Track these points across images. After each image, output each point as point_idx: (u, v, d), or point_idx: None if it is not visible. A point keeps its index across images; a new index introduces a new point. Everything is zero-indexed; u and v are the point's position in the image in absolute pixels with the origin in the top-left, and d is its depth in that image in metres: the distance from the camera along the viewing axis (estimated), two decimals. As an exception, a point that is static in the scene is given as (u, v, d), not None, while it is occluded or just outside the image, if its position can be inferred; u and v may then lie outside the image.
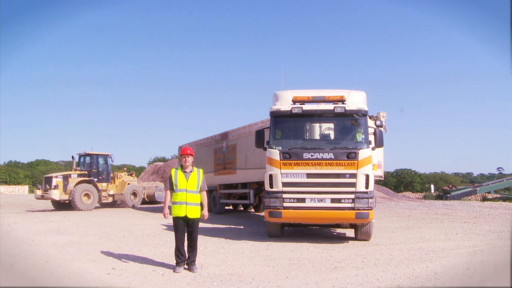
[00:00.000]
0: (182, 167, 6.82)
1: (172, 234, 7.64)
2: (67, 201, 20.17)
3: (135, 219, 15.42)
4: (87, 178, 20.68)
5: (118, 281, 6.02)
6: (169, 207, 6.87)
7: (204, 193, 6.85)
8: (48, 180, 20.44)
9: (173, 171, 6.81)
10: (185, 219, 6.65)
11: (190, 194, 6.66)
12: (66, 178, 20.44)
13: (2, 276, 5.47)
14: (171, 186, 6.77)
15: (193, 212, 6.67)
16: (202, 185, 6.84)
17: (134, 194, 22.57)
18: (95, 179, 20.97)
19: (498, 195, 31.54)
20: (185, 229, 6.74)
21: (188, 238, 6.75)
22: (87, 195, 20.14)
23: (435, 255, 7.92)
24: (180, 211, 6.61)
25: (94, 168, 21.30)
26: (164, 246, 9.03)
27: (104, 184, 21.52)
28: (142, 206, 22.87)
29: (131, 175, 24.21)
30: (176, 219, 6.68)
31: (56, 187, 19.86)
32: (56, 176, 20.41)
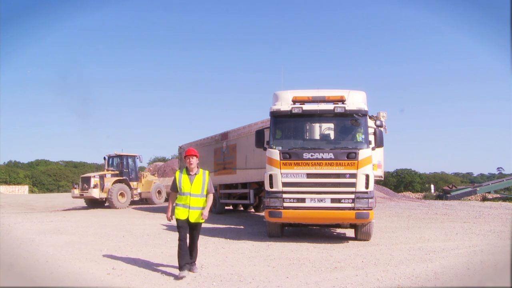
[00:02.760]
0: (187, 170, 6.58)
1: (172, 234, 7.67)
2: (104, 200, 21.52)
3: (135, 219, 15.42)
4: (121, 178, 22.07)
5: (118, 281, 6.02)
6: (174, 208, 6.70)
7: (211, 195, 6.63)
8: (86, 180, 21.67)
9: (177, 174, 6.61)
10: (187, 222, 6.49)
11: (194, 198, 6.45)
12: (102, 177, 21.72)
13: (2, 276, 5.47)
14: (175, 188, 6.59)
15: (196, 216, 6.49)
16: (208, 187, 6.61)
17: (159, 192, 24.33)
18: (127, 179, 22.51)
19: (498, 195, 31.52)
20: (187, 231, 6.57)
21: (189, 240, 6.65)
22: (122, 194, 21.57)
23: (435, 255, 7.92)
24: (182, 214, 6.45)
25: (125, 168, 22.70)
26: (164, 246, 9.03)
27: (135, 183, 22.93)
28: (142, 206, 22.95)
29: (153, 175, 26.81)
30: (179, 220, 6.55)
31: (96, 186, 21.15)
32: (94, 176, 21.71)
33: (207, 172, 6.70)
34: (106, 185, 21.43)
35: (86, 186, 21.48)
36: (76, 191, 21.91)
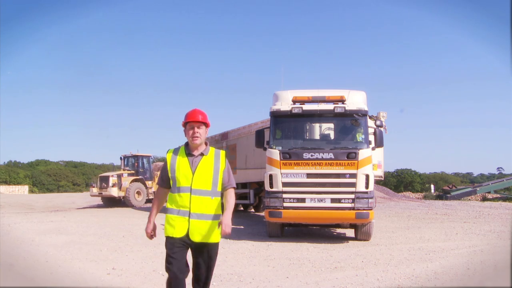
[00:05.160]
0: (187, 148, 3.78)
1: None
2: (122, 198, 22.26)
3: (135, 219, 15.41)
4: (138, 177, 22.86)
5: (118, 281, 6.02)
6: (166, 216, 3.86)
7: (231, 192, 3.82)
8: (105, 179, 22.58)
9: (169, 154, 3.78)
10: (188, 242, 3.64)
11: (198, 198, 3.63)
12: (119, 177, 22.54)
13: (2, 276, 5.47)
14: (165, 181, 3.79)
15: (203, 233, 3.60)
16: (226, 178, 3.78)
17: None
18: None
19: (498, 195, 31.51)
20: (186, 257, 3.71)
21: (194, 277, 3.83)
22: (138, 192, 22.47)
23: (435, 255, 7.92)
24: (177, 228, 3.60)
25: (140, 168, 23.50)
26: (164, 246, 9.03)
27: (149, 182, 23.53)
28: (142, 206, 23.02)
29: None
30: (170, 242, 3.64)
31: (114, 185, 22.01)
32: (112, 175, 22.53)
33: (222, 152, 3.85)
34: (123, 184, 22.25)
35: (105, 185, 22.34)
36: (95, 190, 22.81)
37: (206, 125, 3.77)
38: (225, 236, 3.62)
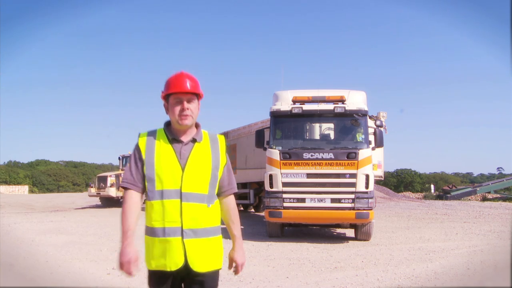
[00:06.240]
0: (169, 130, 2.47)
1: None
2: (120, 198, 22.23)
3: (135, 219, 15.41)
4: None
5: (118, 281, 6.01)
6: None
7: (233, 200, 2.60)
8: (103, 179, 22.57)
9: (142, 139, 2.45)
10: (183, 274, 2.41)
11: (192, 206, 2.35)
12: (117, 177, 22.39)
13: (2, 276, 5.47)
14: (135, 181, 2.44)
15: (204, 256, 2.38)
16: (225, 179, 2.54)
17: None
18: None
19: (498, 195, 31.49)
20: None
21: None
22: None
23: (435, 255, 7.92)
24: (169, 256, 2.39)
25: None
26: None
27: None
28: (143, 205, 23.21)
29: None
30: (161, 278, 2.50)
31: (112, 185, 21.97)
32: (110, 176, 22.51)
33: (221, 138, 2.60)
34: None
35: (103, 185, 22.30)
36: (93, 190, 22.77)
37: (199, 96, 2.44)
38: (239, 273, 2.55)
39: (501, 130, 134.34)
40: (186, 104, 2.39)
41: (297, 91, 10.15)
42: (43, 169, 75.01)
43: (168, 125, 2.49)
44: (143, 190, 2.47)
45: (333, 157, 9.28)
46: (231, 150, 16.67)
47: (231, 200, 2.57)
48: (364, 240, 9.79)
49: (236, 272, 2.54)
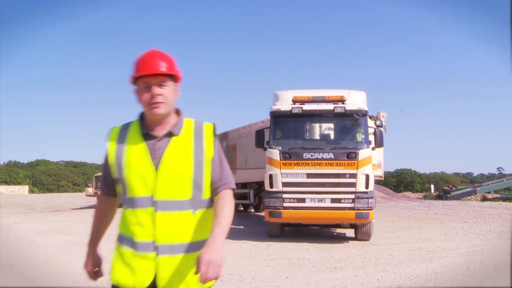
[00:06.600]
0: (143, 123, 2.00)
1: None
2: None
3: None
4: None
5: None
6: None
7: (228, 196, 1.98)
8: (100, 179, 22.31)
9: (112, 136, 2.02)
10: None
11: (169, 215, 1.90)
12: None
13: (2, 276, 5.47)
14: (106, 185, 2.14)
15: (180, 277, 1.90)
16: (216, 173, 1.99)
17: None
18: None
19: (498, 195, 31.49)
20: None
21: None
22: None
23: (435, 255, 7.92)
24: (137, 273, 1.92)
25: None
26: None
27: None
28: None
29: None
30: None
31: None
32: None
33: (208, 126, 2.11)
34: None
35: (100, 185, 22.20)
36: (90, 190, 22.98)
37: (175, 79, 1.97)
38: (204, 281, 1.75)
39: (501, 130, 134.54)
40: (156, 90, 1.90)
41: (297, 91, 10.16)
42: (43, 169, 75.05)
43: (142, 117, 2.03)
44: (115, 194, 2.14)
45: (333, 157, 9.28)
46: (231, 150, 16.68)
47: (224, 196, 1.96)
48: (364, 240, 9.80)
49: (202, 277, 1.72)
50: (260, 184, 14.64)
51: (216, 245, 1.79)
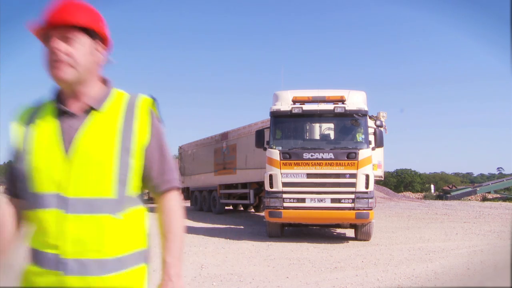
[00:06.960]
0: (60, 98, 1.48)
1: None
2: None
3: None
4: None
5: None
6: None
7: (174, 201, 1.55)
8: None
9: (23, 114, 1.53)
10: None
11: (83, 219, 1.37)
12: None
13: (2, 276, 5.47)
14: (10, 182, 1.51)
15: None
16: (155, 167, 1.50)
17: None
18: None
19: (498, 195, 31.48)
20: None
21: None
22: None
23: (435, 255, 7.92)
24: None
25: None
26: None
27: None
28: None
29: None
30: None
31: None
32: None
33: (145, 101, 1.52)
34: None
35: None
36: None
37: (94, 34, 1.50)
38: None
39: (501, 130, 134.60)
40: (58, 43, 1.41)
41: (297, 91, 10.16)
42: (43, 169, 75.07)
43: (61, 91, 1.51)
44: (21, 195, 1.48)
45: (333, 157, 9.28)
46: (231, 150, 16.68)
47: (169, 202, 1.54)
48: (364, 240, 9.79)
49: None
50: (260, 184, 14.64)
51: (175, 271, 1.46)
